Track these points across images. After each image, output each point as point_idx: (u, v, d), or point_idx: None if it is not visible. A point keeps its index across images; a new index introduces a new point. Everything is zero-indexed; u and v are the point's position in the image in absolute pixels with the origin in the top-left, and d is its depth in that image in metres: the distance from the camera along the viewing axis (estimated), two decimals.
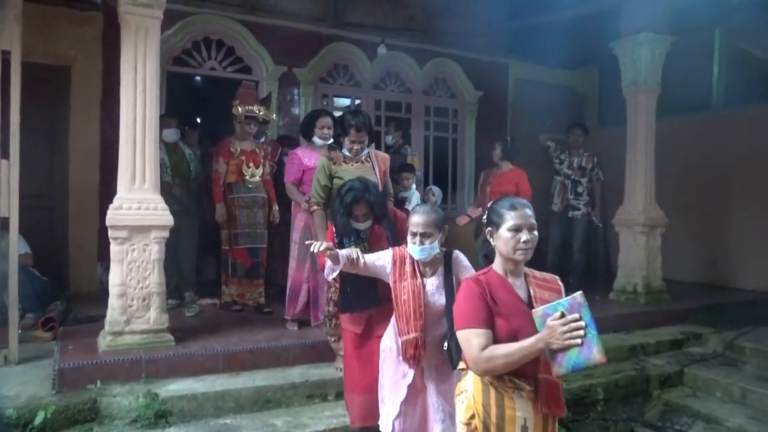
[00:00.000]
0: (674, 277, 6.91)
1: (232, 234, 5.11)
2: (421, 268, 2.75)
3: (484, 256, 2.28)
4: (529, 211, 2.13)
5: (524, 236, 2.08)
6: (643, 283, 6.09)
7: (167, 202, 4.08)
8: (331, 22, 7.03)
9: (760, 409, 4.31)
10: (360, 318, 3.15)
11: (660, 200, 6.22)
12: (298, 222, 4.65)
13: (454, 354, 2.59)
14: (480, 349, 1.96)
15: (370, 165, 3.87)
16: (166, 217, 3.96)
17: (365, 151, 3.91)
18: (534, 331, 1.93)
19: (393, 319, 2.80)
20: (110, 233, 3.88)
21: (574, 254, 6.62)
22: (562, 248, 6.74)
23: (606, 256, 8.37)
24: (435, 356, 2.72)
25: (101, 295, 5.31)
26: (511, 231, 2.08)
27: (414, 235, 2.66)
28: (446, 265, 2.77)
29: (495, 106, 8.12)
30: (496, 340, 2.00)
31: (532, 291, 2.13)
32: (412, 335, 2.65)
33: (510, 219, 2.09)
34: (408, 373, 2.75)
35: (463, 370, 2.22)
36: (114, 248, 3.89)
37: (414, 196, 5.68)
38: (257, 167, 5.18)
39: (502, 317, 2.04)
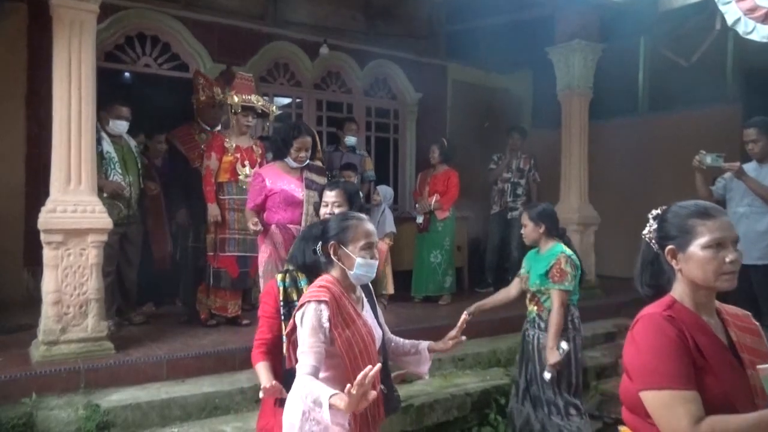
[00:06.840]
0: (607, 273, 7.22)
1: (219, 239, 4.64)
2: (356, 297, 2.12)
3: (648, 286, 1.70)
4: (728, 219, 1.58)
5: (730, 255, 1.53)
6: None
7: (114, 205, 3.86)
8: (271, 20, 6.92)
9: None
10: None
11: (593, 199, 6.48)
12: (262, 254, 3.98)
13: (389, 395, 2.16)
14: (693, 420, 1.41)
15: None
16: (104, 221, 3.78)
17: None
18: (749, 393, 1.49)
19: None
20: (43, 237, 3.68)
21: (512, 252, 6.80)
22: (500, 247, 6.94)
23: None
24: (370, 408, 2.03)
25: (29, 302, 5.07)
26: (709, 248, 1.53)
27: (369, 246, 2.07)
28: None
29: (435, 108, 8.22)
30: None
31: (733, 335, 1.60)
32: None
33: (706, 232, 1.54)
34: None
35: None
36: (47, 253, 3.69)
37: None
38: (252, 166, 4.67)
39: (712, 374, 1.48)
